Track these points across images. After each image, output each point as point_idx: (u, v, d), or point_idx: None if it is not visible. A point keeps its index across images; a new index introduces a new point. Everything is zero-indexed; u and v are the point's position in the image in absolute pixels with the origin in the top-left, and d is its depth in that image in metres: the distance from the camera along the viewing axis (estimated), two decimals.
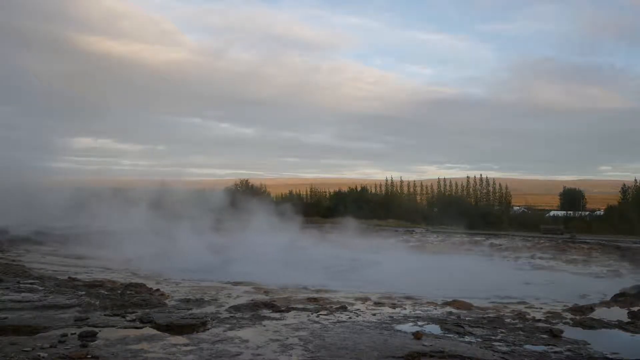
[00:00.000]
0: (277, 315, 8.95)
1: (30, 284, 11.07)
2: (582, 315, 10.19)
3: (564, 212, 55.81)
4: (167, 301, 10.21)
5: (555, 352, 7.04)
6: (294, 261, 21.40)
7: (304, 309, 9.62)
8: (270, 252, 22.98)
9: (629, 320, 9.63)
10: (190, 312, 8.81)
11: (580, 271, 22.42)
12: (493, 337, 7.82)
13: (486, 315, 9.88)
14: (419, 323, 8.83)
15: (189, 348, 6.44)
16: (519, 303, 12.32)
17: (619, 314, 10.41)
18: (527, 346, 7.37)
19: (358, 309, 10.11)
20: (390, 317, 9.41)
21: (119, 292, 10.76)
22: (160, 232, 25.00)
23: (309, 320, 8.63)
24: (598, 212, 54.66)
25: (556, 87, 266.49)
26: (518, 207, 62.63)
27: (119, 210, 25.49)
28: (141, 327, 7.43)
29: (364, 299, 11.81)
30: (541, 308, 11.27)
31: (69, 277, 12.53)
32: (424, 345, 6.98)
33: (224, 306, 9.77)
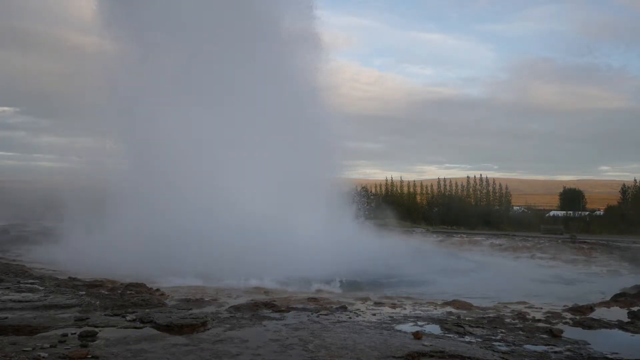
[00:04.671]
0: (277, 315, 8.96)
1: (31, 283, 11.09)
2: (582, 315, 10.19)
3: (564, 212, 55.79)
4: (167, 301, 10.21)
5: (555, 352, 7.04)
6: None
7: (304, 309, 9.63)
8: None
9: (629, 320, 9.64)
10: (190, 312, 8.82)
11: (580, 271, 22.41)
12: (493, 337, 7.82)
13: (486, 315, 9.88)
14: (419, 323, 8.83)
15: (189, 348, 6.45)
16: (518, 303, 12.31)
17: (619, 314, 10.41)
18: (527, 346, 7.38)
19: (358, 309, 10.11)
20: (390, 317, 9.41)
21: (119, 292, 10.76)
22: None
23: (308, 320, 8.63)
24: (598, 212, 54.66)
25: (555, 87, 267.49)
26: (518, 207, 62.60)
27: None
28: (141, 327, 7.44)
29: (364, 299, 11.82)
30: (541, 308, 11.26)
31: (69, 277, 12.53)
32: (424, 345, 6.99)
33: (224, 306, 9.78)
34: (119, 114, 23.44)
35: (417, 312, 10.23)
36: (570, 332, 8.38)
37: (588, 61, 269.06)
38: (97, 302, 9.31)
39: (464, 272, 19.41)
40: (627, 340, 8.34)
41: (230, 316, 8.72)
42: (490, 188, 59.29)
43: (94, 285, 11.44)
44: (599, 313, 10.53)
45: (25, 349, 6.02)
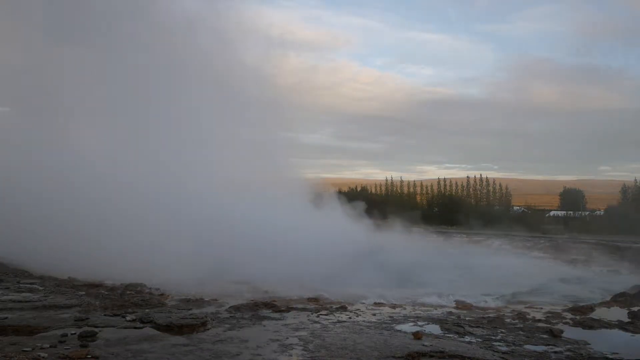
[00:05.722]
0: (277, 315, 8.96)
1: (31, 284, 11.07)
2: (582, 315, 10.19)
3: (564, 212, 55.78)
4: (167, 301, 10.21)
5: (555, 352, 7.04)
6: None
7: (303, 309, 9.63)
8: None
9: (629, 320, 9.64)
10: (190, 312, 8.82)
11: (580, 271, 22.38)
12: (493, 337, 7.83)
13: (486, 315, 9.88)
14: (419, 323, 8.83)
15: (189, 348, 6.45)
16: (518, 303, 12.33)
17: (619, 314, 10.42)
18: (527, 346, 7.38)
19: (358, 309, 10.11)
20: (390, 317, 9.41)
21: (119, 292, 10.76)
22: None
23: (308, 320, 8.63)
24: (598, 212, 54.63)
25: (554, 87, 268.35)
26: (518, 207, 62.57)
27: None
28: (141, 327, 7.44)
29: (364, 299, 11.80)
30: (541, 308, 11.27)
31: (69, 277, 12.52)
32: (424, 345, 6.99)
33: (224, 306, 9.77)
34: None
35: (417, 312, 10.23)
36: (571, 332, 8.39)
37: (587, 61, 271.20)
38: (97, 302, 9.30)
39: (462, 271, 19.38)
40: (627, 340, 8.34)
41: (230, 316, 8.72)
42: (490, 188, 59.32)
43: (93, 285, 11.44)
44: (599, 313, 10.53)
45: (25, 349, 6.02)
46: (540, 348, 7.26)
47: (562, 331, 8.26)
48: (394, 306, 10.89)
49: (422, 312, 10.15)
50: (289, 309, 9.48)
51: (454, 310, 10.43)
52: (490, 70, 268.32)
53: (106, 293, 10.57)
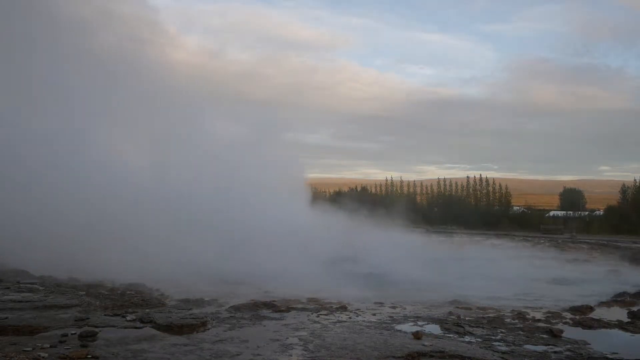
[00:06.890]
0: (277, 315, 8.97)
1: (31, 284, 11.07)
2: (582, 315, 10.19)
3: (564, 212, 55.83)
4: (167, 301, 10.22)
5: (555, 352, 7.04)
6: None
7: (303, 309, 9.64)
8: None
9: (629, 320, 9.65)
10: (190, 312, 8.82)
11: (580, 271, 22.39)
12: (493, 337, 7.83)
13: (486, 315, 9.88)
14: (419, 323, 8.83)
15: (189, 348, 6.45)
16: (518, 301, 12.31)
17: (619, 314, 10.42)
18: (527, 346, 7.38)
19: (358, 309, 10.10)
20: (390, 317, 9.41)
21: (119, 292, 10.76)
22: None
23: (308, 320, 8.63)
24: (598, 212, 54.66)
25: (554, 87, 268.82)
26: (518, 207, 62.56)
27: None
28: (141, 327, 7.44)
29: (364, 299, 11.80)
30: (541, 308, 11.27)
31: (69, 277, 12.51)
32: (423, 345, 6.99)
33: (224, 306, 9.78)
34: None
35: (417, 312, 10.22)
36: (570, 332, 8.39)
37: (587, 61, 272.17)
38: (97, 302, 9.31)
39: (463, 273, 19.36)
40: (627, 340, 8.34)
41: (230, 316, 8.72)
42: (490, 188, 59.28)
43: (93, 285, 11.43)
44: (599, 313, 10.53)
45: (25, 349, 6.02)
46: (540, 348, 7.26)
47: (562, 331, 8.26)
48: (393, 306, 10.89)
49: (422, 312, 10.14)
50: (289, 309, 9.49)
51: (453, 310, 10.42)
52: (490, 70, 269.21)
53: (106, 293, 10.56)
